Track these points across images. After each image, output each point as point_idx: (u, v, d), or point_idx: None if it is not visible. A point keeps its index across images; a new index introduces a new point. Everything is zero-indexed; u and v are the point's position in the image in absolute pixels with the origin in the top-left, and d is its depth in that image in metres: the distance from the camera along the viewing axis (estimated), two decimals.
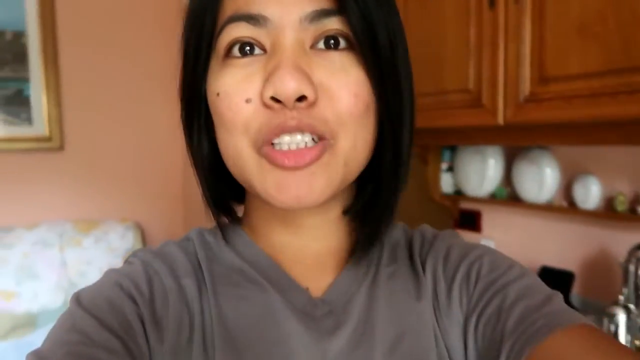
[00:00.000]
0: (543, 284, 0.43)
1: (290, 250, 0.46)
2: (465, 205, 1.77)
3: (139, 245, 2.20)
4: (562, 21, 1.08)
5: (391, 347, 0.42)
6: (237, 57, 0.39)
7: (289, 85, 0.35)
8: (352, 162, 0.40)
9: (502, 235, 1.66)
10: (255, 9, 0.37)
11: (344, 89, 0.38)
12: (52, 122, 2.11)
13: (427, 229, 0.52)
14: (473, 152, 1.63)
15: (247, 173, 0.40)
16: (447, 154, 1.72)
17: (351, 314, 0.43)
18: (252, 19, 0.37)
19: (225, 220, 0.48)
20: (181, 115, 0.45)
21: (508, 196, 1.59)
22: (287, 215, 0.45)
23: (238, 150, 0.40)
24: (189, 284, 0.43)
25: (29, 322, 2.00)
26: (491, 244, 1.66)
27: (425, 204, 1.74)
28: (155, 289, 0.41)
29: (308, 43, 0.38)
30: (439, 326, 0.44)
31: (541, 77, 1.14)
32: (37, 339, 1.86)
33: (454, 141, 1.57)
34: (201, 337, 0.41)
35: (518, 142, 1.43)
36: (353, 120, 0.38)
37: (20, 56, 2.05)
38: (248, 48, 0.38)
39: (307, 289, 0.44)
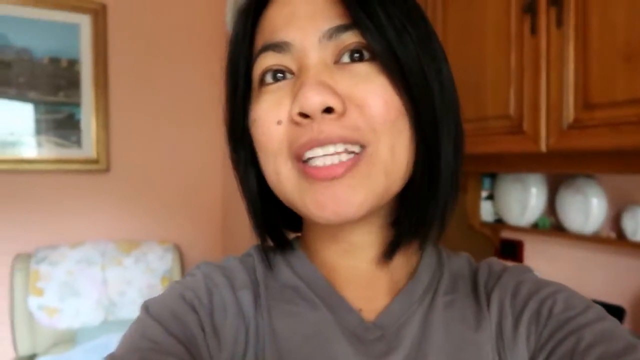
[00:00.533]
0: (625, 330, 0.40)
1: (344, 270, 0.46)
2: (506, 234, 1.71)
3: (176, 267, 2.24)
4: (608, 46, 1.06)
5: None
6: (270, 84, 0.41)
7: (312, 99, 0.36)
8: (393, 170, 0.39)
9: (546, 267, 1.60)
10: (278, 37, 0.40)
11: (371, 96, 0.38)
12: (100, 145, 2.20)
13: (495, 262, 0.50)
14: (514, 180, 1.59)
15: (289, 193, 0.41)
16: (487, 182, 1.68)
17: (403, 340, 0.42)
18: (277, 46, 0.40)
19: (270, 244, 0.49)
20: (228, 145, 0.46)
21: (551, 226, 1.53)
22: (337, 232, 0.45)
23: (277, 173, 0.41)
24: (246, 298, 0.44)
25: (69, 338, 2.06)
26: None
27: (465, 232, 1.70)
28: (215, 300, 0.43)
29: (331, 59, 0.39)
30: None
31: (585, 103, 1.11)
32: (74, 355, 1.89)
33: (494, 168, 1.54)
34: (254, 353, 0.42)
35: (561, 170, 1.38)
36: (387, 126, 0.38)
37: (73, 82, 2.17)
38: (280, 74, 0.40)
39: (360, 310, 0.44)
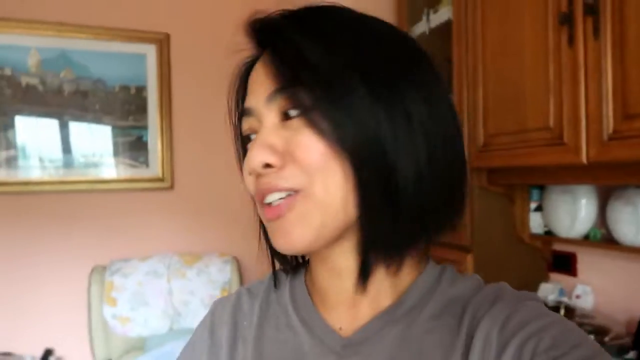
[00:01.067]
0: None
1: (332, 290, 0.51)
2: (558, 246, 1.67)
3: (236, 278, 2.36)
4: None
5: None
6: (249, 141, 0.49)
7: (254, 160, 0.44)
8: (329, 206, 0.44)
9: (600, 281, 1.54)
10: (246, 103, 0.48)
11: (300, 148, 0.43)
12: (165, 165, 2.38)
13: (503, 288, 0.48)
14: (562, 191, 1.56)
15: (267, 229, 0.49)
16: (535, 193, 1.65)
17: (378, 354, 0.46)
18: (246, 112, 0.48)
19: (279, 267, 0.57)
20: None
21: (603, 238, 1.48)
22: (323, 256, 0.50)
23: (259, 211, 0.49)
24: (223, 334, 0.56)
25: (139, 345, 2.22)
26: (588, 290, 1.55)
27: (513, 246, 1.67)
28: (215, 336, 0.56)
29: (278, 118, 0.45)
30: None
31: (625, 114, 1.08)
32: None
33: (539, 180, 1.51)
34: None
35: (606, 182, 1.35)
36: (318, 170, 0.43)
37: (141, 107, 2.36)
38: (252, 135, 0.49)
39: (340, 329, 0.49)
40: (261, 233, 0.54)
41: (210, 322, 0.57)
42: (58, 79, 2.27)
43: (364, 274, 0.46)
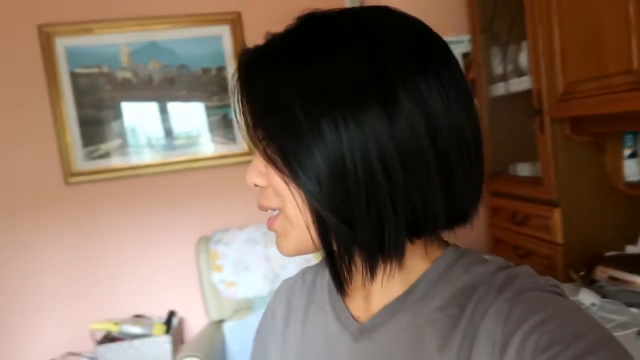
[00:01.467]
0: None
1: (354, 284, 0.53)
2: None
3: None
4: None
5: None
6: None
7: (247, 180, 0.51)
8: (300, 226, 0.48)
9: None
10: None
11: (270, 176, 0.48)
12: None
13: (516, 275, 0.46)
14: None
15: None
16: (629, 139, 1.51)
17: (383, 342, 0.50)
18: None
19: None
20: None
21: None
22: None
23: None
24: (279, 313, 0.63)
25: (247, 306, 2.44)
26: None
27: (607, 197, 1.56)
28: (275, 314, 0.65)
29: (261, 146, 0.48)
30: None
31: None
32: (254, 319, 2.24)
33: (630, 126, 1.39)
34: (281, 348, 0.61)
35: None
36: (285, 196, 0.47)
37: (222, 87, 2.49)
38: None
39: (358, 317, 0.54)
40: None
41: (272, 301, 0.67)
42: (147, 69, 2.46)
43: (366, 272, 0.48)
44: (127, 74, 2.46)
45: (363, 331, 0.52)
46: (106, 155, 2.47)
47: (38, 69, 2.40)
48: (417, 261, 0.51)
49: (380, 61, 0.44)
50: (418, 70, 0.44)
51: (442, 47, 0.48)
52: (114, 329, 2.40)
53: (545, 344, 0.38)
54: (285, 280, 0.68)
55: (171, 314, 2.52)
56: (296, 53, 0.46)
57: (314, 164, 0.43)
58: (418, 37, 0.47)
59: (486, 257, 0.52)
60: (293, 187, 0.45)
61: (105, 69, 2.43)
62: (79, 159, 2.49)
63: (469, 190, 0.48)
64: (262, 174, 0.49)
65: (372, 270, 0.47)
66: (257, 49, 0.48)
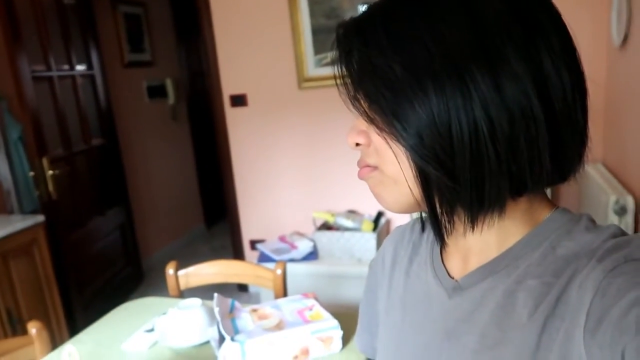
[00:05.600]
0: None
1: (451, 242, 0.56)
2: None
3: None
4: None
5: (481, 342, 0.49)
6: None
7: (348, 142, 0.52)
8: (398, 180, 0.49)
9: None
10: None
11: (372, 134, 0.49)
12: None
13: (635, 240, 0.42)
14: None
15: None
16: None
17: (472, 301, 0.51)
18: None
19: None
20: None
21: None
22: None
23: None
24: (388, 259, 0.67)
25: None
26: None
27: None
28: (385, 259, 0.69)
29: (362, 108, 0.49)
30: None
31: None
32: None
33: None
34: (387, 292, 0.65)
35: None
36: (383, 151, 0.48)
37: None
38: None
39: (455, 276, 0.55)
40: None
41: (384, 246, 0.70)
42: None
43: (468, 222, 0.48)
44: None
45: (456, 288, 0.53)
46: None
47: None
48: (518, 222, 0.49)
49: (483, 21, 0.43)
50: (524, 29, 0.43)
51: (547, 5, 0.45)
52: (330, 219, 2.76)
53: None
54: (397, 228, 0.69)
55: (379, 215, 2.75)
56: (394, 15, 0.46)
57: (415, 119, 0.44)
58: None
59: (602, 225, 0.47)
60: (394, 144, 0.46)
61: None
62: (310, 66, 2.76)
63: (575, 148, 0.46)
64: (363, 132, 0.51)
65: (473, 221, 0.47)
66: (354, 18, 0.49)
